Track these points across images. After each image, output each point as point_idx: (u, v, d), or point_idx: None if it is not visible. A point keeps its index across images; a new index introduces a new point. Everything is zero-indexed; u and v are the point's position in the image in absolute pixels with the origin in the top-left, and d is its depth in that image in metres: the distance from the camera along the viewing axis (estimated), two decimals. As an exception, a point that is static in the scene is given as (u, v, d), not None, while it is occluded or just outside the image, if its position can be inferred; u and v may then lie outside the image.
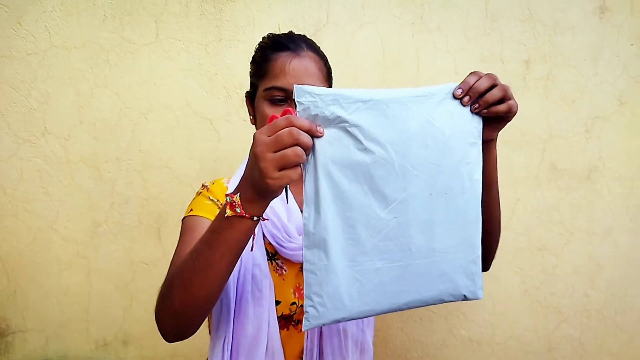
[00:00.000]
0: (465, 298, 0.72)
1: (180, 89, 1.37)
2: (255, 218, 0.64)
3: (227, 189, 0.90)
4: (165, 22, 1.36)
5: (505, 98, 0.72)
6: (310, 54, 0.86)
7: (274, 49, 0.86)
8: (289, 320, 0.90)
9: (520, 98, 1.35)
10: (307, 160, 0.64)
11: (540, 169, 1.37)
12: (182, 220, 0.87)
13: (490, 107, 0.71)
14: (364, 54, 1.36)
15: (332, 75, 0.96)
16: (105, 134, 1.38)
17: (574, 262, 1.38)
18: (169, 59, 1.37)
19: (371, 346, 0.96)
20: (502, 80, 1.34)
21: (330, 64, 0.94)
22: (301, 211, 0.86)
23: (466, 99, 0.70)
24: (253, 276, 0.83)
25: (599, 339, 1.39)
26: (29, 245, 1.41)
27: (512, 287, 1.39)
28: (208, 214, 0.84)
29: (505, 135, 1.35)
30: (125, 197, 1.39)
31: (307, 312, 0.65)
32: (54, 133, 1.38)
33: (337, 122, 0.63)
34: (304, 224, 0.65)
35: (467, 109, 0.71)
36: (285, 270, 0.87)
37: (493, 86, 0.71)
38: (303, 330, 0.66)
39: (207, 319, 0.83)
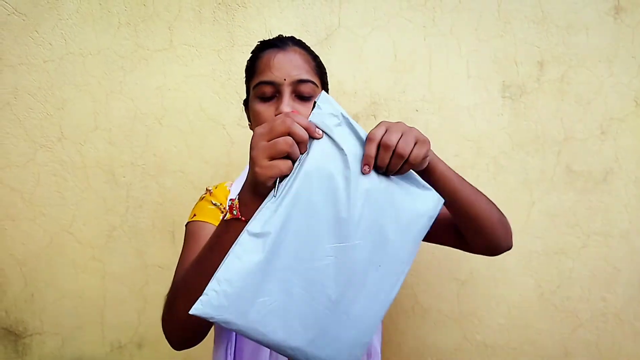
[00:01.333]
0: None
1: (194, 94, 1.39)
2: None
3: (229, 192, 0.91)
4: (178, 29, 1.37)
5: (402, 157, 0.65)
6: (297, 48, 0.88)
7: (261, 49, 0.89)
8: None
9: (535, 100, 1.34)
10: (300, 159, 0.61)
11: (555, 172, 1.35)
12: (186, 226, 0.88)
13: (396, 171, 0.66)
14: (375, 58, 1.36)
15: (326, 72, 0.94)
16: (120, 139, 1.40)
17: (591, 266, 1.36)
18: (182, 64, 1.38)
19: (379, 351, 0.95)
20: (516, 82, 1.34)
21: (321, 61, 0.93)
22: None
23: (366, 168, 0.64)
24: None
25: (616, 344, 1.37)
26: (46, 249, 1.43)
27: (527, 291, 1.37)
28: (211, 218, 0.85)
29: (519, 138, 1.34)
30: (139, 202, 1.41)
31: (206, 294, 0.57)
32: (70, 138, 1.41)
33: (340, 142, 0.63)
34: (260, 209, 0.60)
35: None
36: None
37: (385, 147, 0.64)
38: (190, 313, 0.57)
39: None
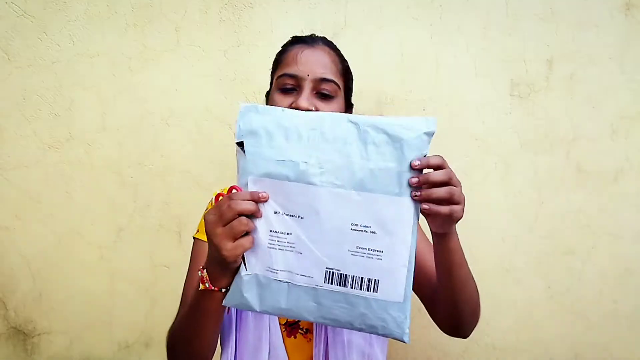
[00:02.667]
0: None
1: (200, 94, 1.39)
2: (224, 290, 0.69)
3: None
4: (185, 29, 1.38)
5: (450, 201, 0.65)
6: (326, 48, 0.88)
7: (291, 43, 0.90)
8: (295, 328, 0.89)
9: (544, 99, 1.33)
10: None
11: (565, 171, 1.33)
12: (193, 238, 0.91)
13: (431, 204, 0.65)
14: (382, 57, 1.35)
15: (353, 79, 0.96)
16: (128, 139, 1.41)
17: (601, 267, 1.34)
18: (189, 65, 1.38)
19: None
20: (525, 80, 1.33)
21: (350, 68, 0.94)
22: None
23: (414, 180, 0.65)
24: None
25: (628, 347, 1.35)
26: (54, 249, 1.44)
27: (536, 293, 1.35)
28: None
29: (528, 137, 1.33)
30: (147, 201, 1.42)
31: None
32: (78, 139, 1.41)
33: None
34: (236, 281, 0.68)
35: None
36: None
37: (445, 183, 0.65)
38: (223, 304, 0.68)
39: None
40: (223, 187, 0.96)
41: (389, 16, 1.34)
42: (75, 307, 1.45)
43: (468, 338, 0.89)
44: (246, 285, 0.66)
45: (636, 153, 1.32)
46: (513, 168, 1.34)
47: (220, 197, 0.89)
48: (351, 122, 0.65)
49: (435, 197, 0.64)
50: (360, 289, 0.63)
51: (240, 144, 0.67)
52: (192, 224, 1.41)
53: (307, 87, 0.83)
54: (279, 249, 0.65)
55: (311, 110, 0.79)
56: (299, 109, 0.77)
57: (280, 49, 0.93)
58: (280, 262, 0.65)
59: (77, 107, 1.41)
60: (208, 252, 0.67)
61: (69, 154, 1.42)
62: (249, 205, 0.63)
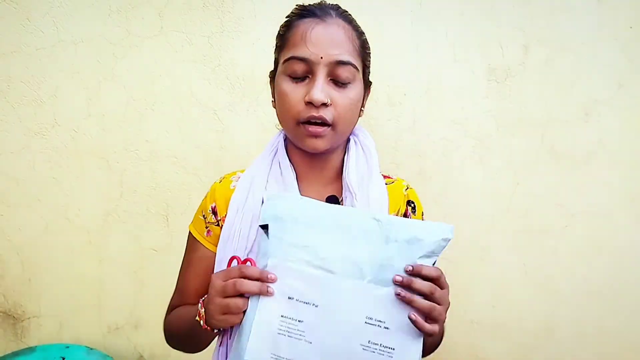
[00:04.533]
0: None
1: (185, 80, 1.41)
2: (216, 330, 0.70)
3: (232, 192, 0.81)
4: (169, 15, 1.39)
5: (429, 316, 0.63)
6: (340, 21, 0.74)
7: (298, 16, 0.75)
8: None
9: (519, 83, 1.37)
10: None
11: (539, 153, 1.38)
12: (189, 227, 0.87)
13: (410, 312, 0.63)
14: (363, 42, 1.38)
15: (370, 53, 0.82)
16: (113, 125, 1.42)
17: (574, 245, 1.40)
18: (173, 51, 1.40)
19: None
20: (501, 65, 1.37)
21: (367, 40, 0.81)
22: None
23: (398, 285, 0.63)
24: None
25: (597, 320, 1.41)
26: (42, 234, 1.46)
27: (512, 270, 1.41)
28: (199, 235, 0.83)
29: (505, 121, 1.37)
30: (133, 186, 1.44)
31: None
32: (64, 125, 1.43)
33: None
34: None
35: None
36: None
37: (426, 295, 0.63)
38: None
39: None
40: (222, 176, 0.87)
41: (369, 2, 1.37)
42: (64, 291, 1.48)
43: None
44: None
45: (608, 135, 1.37)
46: (490, 150, 1.38)
47: (219, 182, 0.87)
48: (375, 219, 0.65)
49: (416, 306, 0.62)
50: None
51: (265, 227, 0.67)
52: (179, 208, 1.44)
53: (321, 74, 0.71)
54: (288, 336, 0.63)
55: (326, 103, 0.71)
56: (312, 102, 0.70)
57: (285, 21, 0.78)
58: (286, 350, 0.63)
59: (62, 94, 1.42)
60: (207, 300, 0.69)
61: (55, 140, 1.43)
62: (253, 288, 0.63)
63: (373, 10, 1.37)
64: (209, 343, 0.79)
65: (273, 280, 0.63)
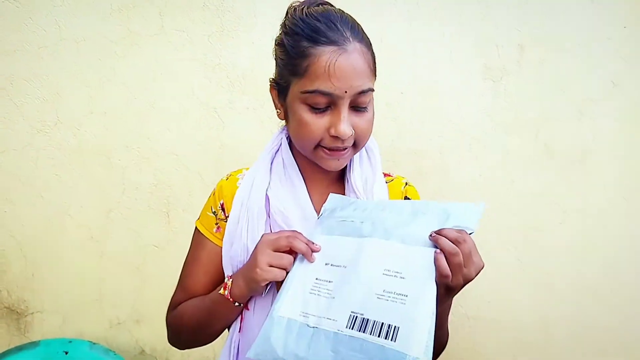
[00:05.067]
0: None
1: (185, 78, 1.43)
2: (237, 304, 0.73)
3: (237, 188, 0.83)
4: (169, 14, 1.41)
5: (450, 263, 0.63)
6: (358, 46, 0.71)
7: (312, 41, 0.69)
8: None
9: (515, 82, 1.39)
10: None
11: (534, 151, 1.41)
12: (195, 224, 0.87)
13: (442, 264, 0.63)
14: (361, 42, 1.40)
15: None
16: (115, 123, 1.44)
17: (568, 241, 1.42)
18: (173, 49, 1.42)
19: None
20: (497, 64, 1.38)
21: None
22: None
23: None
24: None
25: (592, 316, 1.44)
26: (45, 230, 1.48)
27: (507, 266, 1.44)
28: (207, 231, 0.84)
29: (500, 119, 1.39)
30: (135, 184, 1.46)
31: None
32: (66, 123, 1.45)
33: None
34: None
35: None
36: None
37: (456, 241, 0.63)
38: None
39: None
40: (228, 174, 0.88)
41: (368, 2, 1.39)
42: (66, 287, 1.50)
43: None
44: (276, 328, 0.66)
45: (601, 134, 1.40)
46: (485, 148, 1.41)
47: (226, 179, 0.87)
48: (411, 204, 0.72)
49: (441, 243, 0.63)
50: (379, 336, 0.61)
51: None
52: (180, 205, 1.46)
53: (344, 107, 0.70)
54: (318, 295, 0.67)
55: (351, 135, 0.72)
56: (339, 136, 0.71)
57: (294, 42, 0.71)
58: (314, 307, 0.67)
59: (64, 92, 1.44)
60: (244, 264, 0.73)
61: (57, 137, 1.45)
62: (302, 246, 0.69)
63: (373, 10, 1.39)
64: (224, 328, 0.80)
65: (317, 250, 0.70)
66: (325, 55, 0.68)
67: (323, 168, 0.80)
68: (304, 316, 0.66)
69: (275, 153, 0.84)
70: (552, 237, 1.42)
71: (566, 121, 1.40)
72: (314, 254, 0.70)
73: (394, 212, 0.71)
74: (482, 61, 1.39)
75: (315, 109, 0.71)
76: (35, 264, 1.50)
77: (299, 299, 0.68)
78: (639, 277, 1.41)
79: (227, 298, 0.72)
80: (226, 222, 0.82)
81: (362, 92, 0.71)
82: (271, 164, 0.83)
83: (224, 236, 0.81)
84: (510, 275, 1.44)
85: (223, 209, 0.84)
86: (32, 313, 1.52)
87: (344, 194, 0.83)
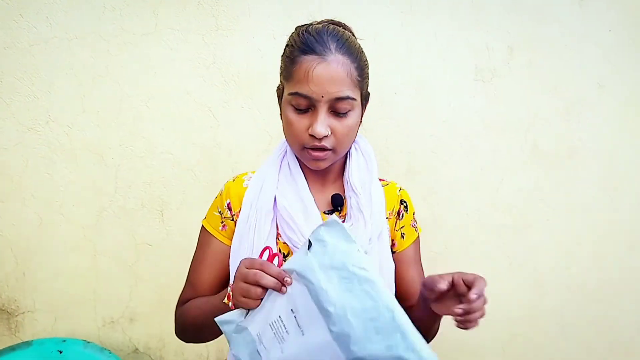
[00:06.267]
0: None
1: (179, 77, 1.42)
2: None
3: (245, 189, 0.88)
4: (163, 13, 1.40)
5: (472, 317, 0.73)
6: (339, 57, 0.79)
7: (301, 51, 0.79)
8: None
9: (505, 83, 1.42)
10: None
11: (523, 151, 1.44)
12: (202, 223, 0.91)
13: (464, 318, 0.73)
14: (355, 42, 1.42)
15: (368, 69, 0.87)
16: (108, 121, 1.44)
17: (556, 238, 1.46)
18: (167, 48, 1.41)
19: None
20: (488, 66, 1.41)
21: (365, 56, 0.86)
22: (325, 212, 0.88)
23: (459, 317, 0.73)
24: None
25: (578, 310, 1.48)
26: (36, 230, 1.47)
27: (497, 262, 1.47)
28: (214, 229, 0.89)
29: (490, 119, 1.43)
30: (128, 182, 1.45)
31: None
32: (58, 121, 1.43)
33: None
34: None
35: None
36: None
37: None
38: None
39: None
40: (234, 176, 0.92)
41: (362, 3, 1.41)
42: (58, 286, 1.49)
43: None
44: (241, 336, 0.72)
45: (588, 134, 1.44)
46: (476, 147, 1.44)
47: (233, 181, 0.92)
48: (388, 309, 0.66)
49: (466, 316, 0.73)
50: None
51: (310, 244, 0.70)
52: (174, 204, 1.46)
53: (323, 109, 0.78)
54: (274, 333, 0.70)
55: (327, 136, 0.79)
56: (315, 135, 0.78)
57: (289, 52, 0.82)
58: (266, 342, 0.71)
59: (56, 90, 1.42)
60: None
61: (49, 136, 1.44)
62: (270, 282, 0.69)
63: (367, 11, 1.41)
64: None
65: (288, 284, 0.69)
66: (306, 63, 0.78)
67: (323, 171, 0.87)
68: (258, 339, 0.71)
69: (283, 157, 0.90)
70: (540, 234, 1.46)
71: (554, 121, 1.44)
72: (286, 287, 0.69)
73: (365, 310, 0.65)
74: (474, 62, 1.42)
75: (298, 110, 0.80)
76: (26, 263, 1.48)
77: (260, 323, 0.71)
78: (623, 272, 1.45)
79: (233, 308, 0.75)
80: (232, 220, 0.87)
81: (340, 99, 0.78)
82: (280, 167, 0.89)
83: (234, 236, 0.85)
84: (499, 271, 1.48)
85: (229, 208, 0.88)
86: (23, 313, 1.50)
87: (343, 193, 0.88)
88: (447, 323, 1.47)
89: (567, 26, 1.41)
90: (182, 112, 1.44)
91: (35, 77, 1.42)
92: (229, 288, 0.77)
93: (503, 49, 1.41)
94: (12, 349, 1.30)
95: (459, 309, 0.71)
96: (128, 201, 1.46)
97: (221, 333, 0.84)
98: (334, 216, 0.71)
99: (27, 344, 1.34)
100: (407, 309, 0.78)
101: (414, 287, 0.90)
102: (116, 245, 1.48)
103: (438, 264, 1.47)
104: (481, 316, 0.73)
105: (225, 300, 0.77)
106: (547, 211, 1.46)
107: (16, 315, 1.50)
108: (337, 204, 0.87)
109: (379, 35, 1.41)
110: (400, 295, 0.91)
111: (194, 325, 0.86)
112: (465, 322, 0.72)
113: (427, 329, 0.84)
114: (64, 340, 1.37)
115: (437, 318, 0.84)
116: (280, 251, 0.86)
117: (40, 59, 1.41)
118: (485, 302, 0.73)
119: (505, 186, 1.45)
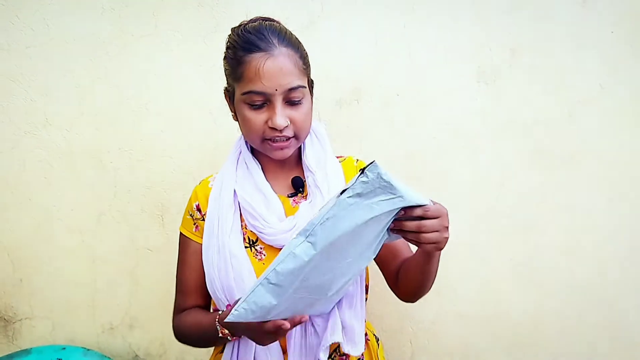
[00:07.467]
0: None
1: (179, 79, 1.41)
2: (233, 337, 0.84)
3: (210, 189, 0.96)
4: (163, 14, 1.38)
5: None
6: (283, 49, 0.84)
7: (245, 50, 0.84)
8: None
9: (507, 85, 1.42)
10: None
11: (525, 153, 1.43)
12: (179, 229, 1.00)
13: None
14: (358, 44, 1.41)
15: (308, 57, 0.92)
16: (107, 124, 1.41)
17: (558, 241, 1.46)
18: (167, 50, 1.40)
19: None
20: (490, 68, 1.41)
21: (303, 46, 0.91)
22: (287, 196, 0.95)
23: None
24: (233, 267, 0.88)
25: (580, 313, 1.48)
26: (33, 235, 1.45)
27: (499, 265, 1.46)
28: (189, 232, 0.97)
29: (492, 121, 1.42)
30: (127, 186, 1.43)
31: (237, 310, 0.72)
32: (55, 124, 1.41)
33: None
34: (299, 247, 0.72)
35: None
36: (265, 255, 0.91)
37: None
38: (225, 320, 0.74)
39: None
40: (200, 180, 1.04)
41: (363, 4, 1.39)
42: (57, 292, 1.47)
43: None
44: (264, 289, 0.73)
45: (590, 136, 1.43)
46: (478, 150, 1.43)
47: (199, 185, 1.02)
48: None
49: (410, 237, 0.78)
50: None
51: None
52: (174, 208, 1.44)
53: (278, 102, 0.84)
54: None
55: (287, 126, 0.85)
56: (275, 127, 0.84)
57: (233, 53, 0.87)
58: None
59: (53, 92, 1.40)
60: (247, 332, 0.79)
61: (46, 139, 1.41)
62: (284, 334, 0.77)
63: (368, 12, 1.40)
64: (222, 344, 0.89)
65: (287, 328, 0.73)
66: (255, 61, 0.82)
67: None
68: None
69: (239, 155, 0.97)
70: (542, 237, 1.46)
71: (556, 123, 1.43)
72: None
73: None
74: (476, 64, 1.41)
75: (254, 106, 0.85)
76: (23, 268, 1.46)
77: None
78: (626, 274, 1.45)
79: (227, 337, 0.82)
80: (202, 220, 0.94)
81: (292, 89, 0.84)
82: (236, 165, 0.96)
83: (203, 234, 0.92)
84: (501, 273, 1.47)
85: (199, 209, 0.96)
86: (21, 320, 1.48)
87: (302, 175, 0.95)
88: (447, 323, 1.47)
89: (568, 28, 1.40)
90: (182, 114, 1.42)
91: (32, 79, 1.39)
92: (217, 324, 0.82)
93: (505, 51, 1.41)
94: (10, 357, 1.28)
95: (410, 222, 0.75)
96: (127, 205, 1.44)
97: (221, 342, 0.89)
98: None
99: (26, 352, 1.31)
100: (399, 265, 0.94)
101: (397, 245, 0.97)
102: (115, 251, 1.46)
103: (440, 265, 1.45)
104: (441, 238, 0.77)
105: (220, 334, 0.82)
106: (549, 213, 1.45)
107: (13, 323, 1.48)
108: (297, 186, 0.94)
109: (380, 36, 1.40)
110: (386, 259, 0.98)
111: (191, 339, 0.92)
112: (419, 239, 0.76)
113: (424, 271, 0.89)
114: (64, 348, 1.35)
115: (428, 257, 0.86)
116: (248, 238, 0.91)
117: (37, 61, 1.39)
118: (443, 224, 0.78)
119: (506, 189, 1.44)
